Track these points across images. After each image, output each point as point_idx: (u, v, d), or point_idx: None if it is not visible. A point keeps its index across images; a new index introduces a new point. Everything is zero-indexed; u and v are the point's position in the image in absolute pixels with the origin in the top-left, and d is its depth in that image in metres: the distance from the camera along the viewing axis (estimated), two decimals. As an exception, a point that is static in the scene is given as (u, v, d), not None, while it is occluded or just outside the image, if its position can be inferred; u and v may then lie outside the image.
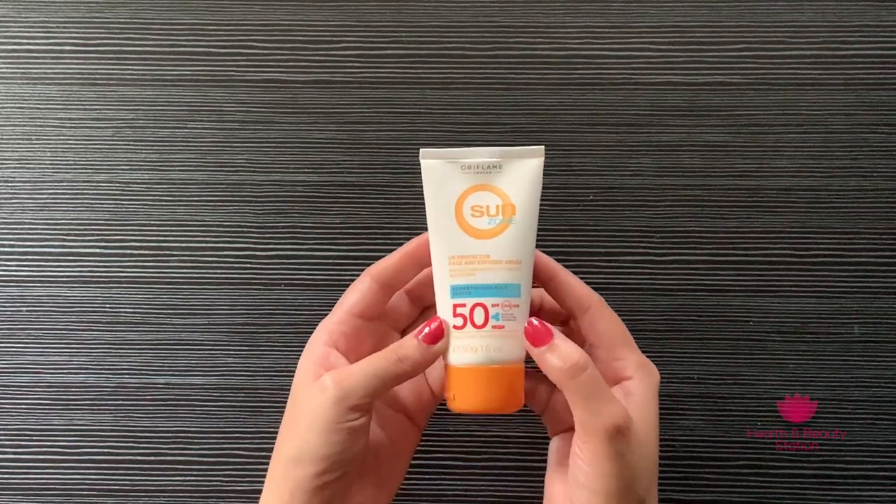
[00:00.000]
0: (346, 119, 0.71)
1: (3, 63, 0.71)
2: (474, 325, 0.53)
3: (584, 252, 0.70)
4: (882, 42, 0.70)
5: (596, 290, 0.56)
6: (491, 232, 0.53)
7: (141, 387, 0.69)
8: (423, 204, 0.54)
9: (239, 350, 0.70)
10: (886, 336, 0.69)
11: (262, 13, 0.71)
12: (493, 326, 0.53)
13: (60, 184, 0.70)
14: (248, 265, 0.70)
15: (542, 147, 0.54)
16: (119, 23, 0.71)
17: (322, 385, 0.52)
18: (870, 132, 0.70)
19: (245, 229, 0.70)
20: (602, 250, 0.70)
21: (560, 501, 0.55)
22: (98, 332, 0.70)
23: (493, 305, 0.53)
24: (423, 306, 0.60)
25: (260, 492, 0.55)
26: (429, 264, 0.55)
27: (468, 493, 0.69)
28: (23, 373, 0.69)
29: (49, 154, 0.70)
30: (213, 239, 0.70)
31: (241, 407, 0.70)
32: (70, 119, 0.71)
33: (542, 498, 0.58)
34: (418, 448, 0.63)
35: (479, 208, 0.53)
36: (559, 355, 0.51)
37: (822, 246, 0.69)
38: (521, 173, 0.53)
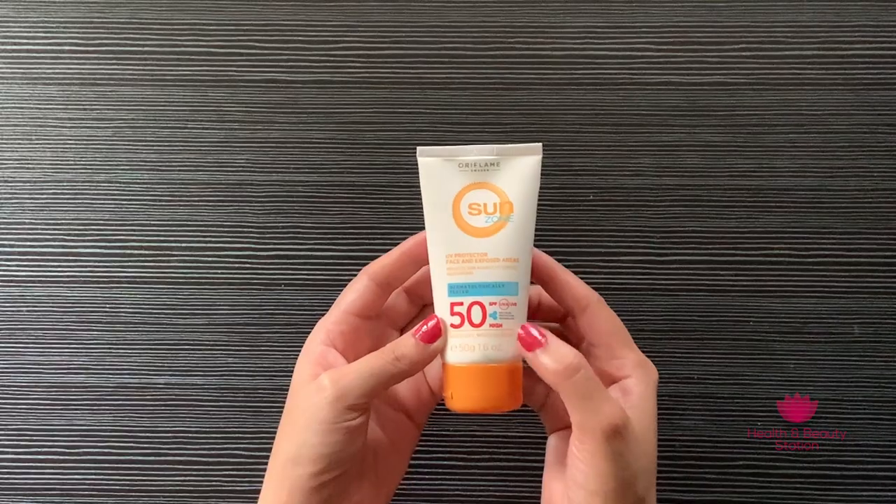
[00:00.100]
0: (346, 119, 0.71)
1: (3, 63, 0.71)
2: (472, 324, 0.52)
3: (584, 252, 0.70)
4: (882, 42, 0.70)
5: (596, 290, 0.55)
6: (488, 230, 0.53)
7: (141, 387, 0.69)
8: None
9: (239, 350, 0.70)
10: (886, 336, 0.69)
11: (262, 13, 0.71)
12: (491, 325, 0.52)
13: (60, 184, 0.70)
14: (248, 265, 0.70)
15: (540, 145, 0.53)
16: (119, 23, 0.71)
17: (319, 384, 0.52)
18: (870, 132, 0.70)
19: (245, 229, 0.70)
20: (602, 250, 0.70)
21: (558, 500, 0.55)
22: (98, 332, 0.70)
23: (491, 304, 0.52)
24: (422, 304, 0.60)
25: (260, 492, 0.55)
26: (427, 262, 0.55)
27: (468, 493, 0.69)
28: (23, 373, 0.69)
29: (49, 154, 0.70)
30: (213, 239, 0.70)
31: (241, 407, 0.70)
32: (70, 119, 0.71)
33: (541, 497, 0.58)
34: (418, 448, 0.63)
35: (476, 206, 0.53)
36: (553, 357, 0.51)
37: (822, 246, 0.69)
38: (518, 171, 0.53)
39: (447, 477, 0.69)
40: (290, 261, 0.70)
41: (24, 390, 0.69)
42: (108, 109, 0.71)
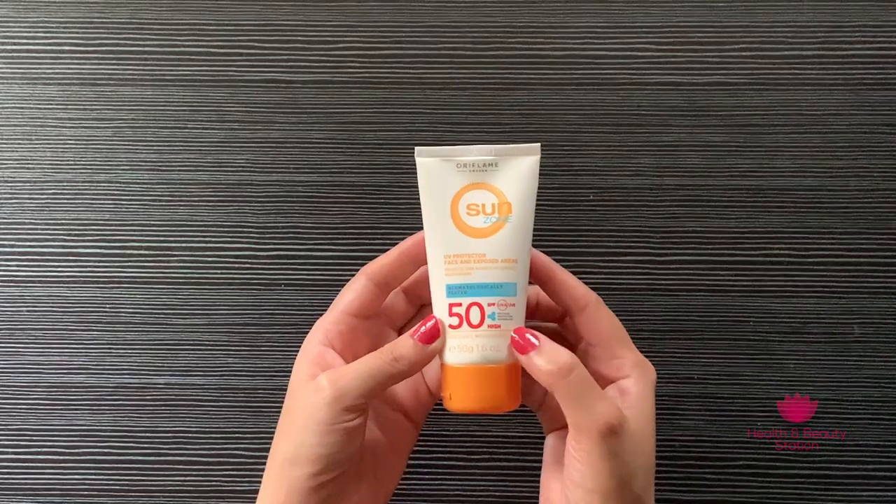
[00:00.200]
0: (346, 119, 0.71)
1: (3, 63, 0.71)
2: (470, 325, 0.52)
3: (584, 252, 0.70)
4: (882, 42, 0.70)
5: (596, 290, 0.55)
6: (487, 231, 0.53)
7: (141, 387, 0.70)
8: (421, 203, 0.54)
9: (239, 350, 0.70)
10: (886, 336, 0.69)
11: (262, 13, 0.71)
12: (489, 326, 0.52)
13: (60, 184, 0.70)
14: (248, 265, 0.70)
15: (538, 145, 0.53)
16: (119, 23, 0.71)
17: (317, 385, 0.52)
18: (870, 132, 0.70)
19: (245, 229, 0.70)
20: (602, 250, 0.70)
21: (556, 500, 0.55)
22: (98, 332, 0.70)
23: (489, 304, 0.52)
24: (420, 304, 0.60)
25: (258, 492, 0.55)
26: (425, 262, 0.55)
27: (468, 493, 0.69)
28: (23, 373, 0.69)
29: (49, 154, 0.70)
30: (213, 239, 0.70)
31: (241, 407, 0.70)
32: (70, 119, 0.71)
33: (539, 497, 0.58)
34: (418, 448, 0.63)
35: (474, 207, 0.53)
36: (546, 358, 0.51)
37: (822, 246, 0.69)
38: (517, 171, 0.53)
39: (447, 477, 0.69)
40: (290, 261, 0.70)
41: (24, 390, 0.69)
42: (108, 109, 0.71)
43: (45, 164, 0.70)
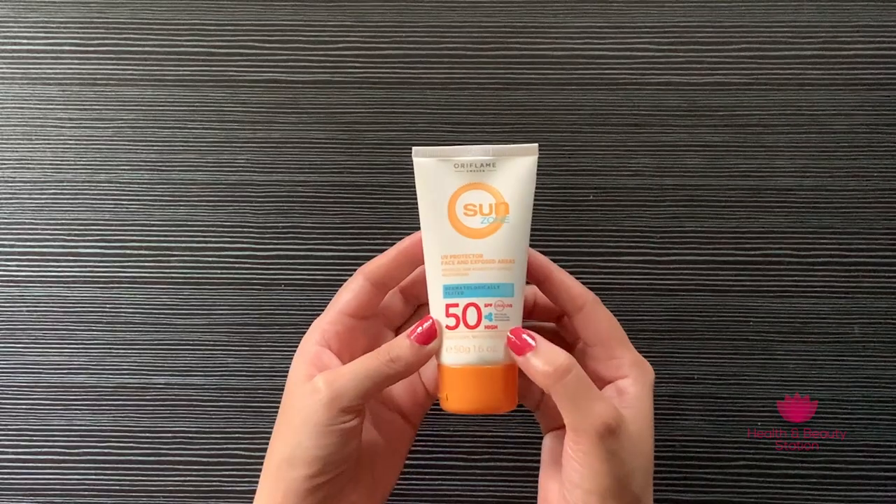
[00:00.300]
0: (346, 119, 0.71)
1: (3, 63, 0.71)
2: (467, 325, 0.52)
3: (584, 252, 0.70)
4: (882, 42, 0.70)
5: (595, 290, 0.55)
6: (484, 231, 0.53)
7: (141, 387, 0.70)
8: (420, 203, 0.54)
9: (239, 350, 0.70)
10: (886, 336, 0.69)
11: (262, 13, 0.71)
12: (486, 326, 0.52)
13: (60, 184, 0.70)
14: (248, 265, 0.70)
15: (536, 145, 0.53)
16: (119, 23, 0.72)
17: (314, 386, 0.52)
18: (870, 132, 0.70)
19: (245, 229, 0.70)
20: (602, 250, 0.70)
21: (554, 500, 0.55)
22: (98, 332, 0.70)
23: (486, 305, 0.52)
24: (417, 304, 0.60)
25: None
26: (423, 263, 0.55)
27: (467, 493, 0.69)
28: (23, 373, 0.70)
29: (49, 154, 0.71)
30: (213, 239, 0.70)
31: (241, 407, 0.70)
32: (70, 119, 0.71)
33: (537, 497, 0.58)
34: (417, 448, 0.63)
35: (472, 207, 0.53)
36: (543, 359, 0.51)
37: (822, 246, 0.69)
38: (514, 172, 0.53)
39: (446, 477, 0.69)
40: (290, 261, 0.70)
41: (24, 390, 0.70)
42: (108, 109, 0.71)
43: (45, 164, 0.70)
